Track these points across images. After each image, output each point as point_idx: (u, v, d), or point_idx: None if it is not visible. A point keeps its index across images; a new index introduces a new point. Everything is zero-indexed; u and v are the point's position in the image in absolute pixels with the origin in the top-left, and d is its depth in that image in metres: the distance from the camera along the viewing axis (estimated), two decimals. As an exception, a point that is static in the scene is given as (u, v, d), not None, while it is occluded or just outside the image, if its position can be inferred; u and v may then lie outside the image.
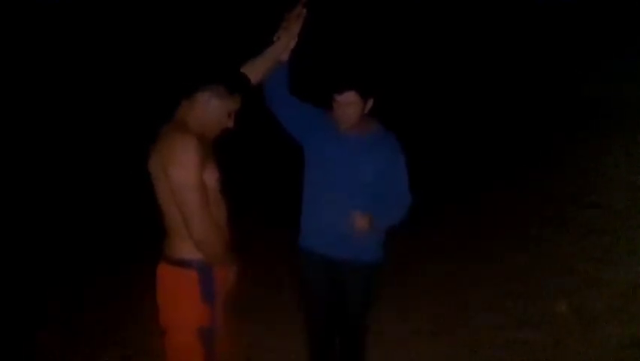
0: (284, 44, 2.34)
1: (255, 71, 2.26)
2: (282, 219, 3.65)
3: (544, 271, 4.13)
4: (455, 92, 8.57)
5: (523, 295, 3.81)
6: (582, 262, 4.11)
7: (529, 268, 4.21)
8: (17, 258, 4.31)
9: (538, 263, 4.26)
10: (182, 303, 2.02)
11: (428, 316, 3.62)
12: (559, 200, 5.31)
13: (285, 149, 2.71)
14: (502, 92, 8.38)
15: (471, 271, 4.22)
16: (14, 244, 4.49)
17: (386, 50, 8.75)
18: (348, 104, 2.32)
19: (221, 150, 2.10)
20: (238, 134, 2.14)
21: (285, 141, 2.58)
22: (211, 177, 1.95)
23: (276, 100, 2.47)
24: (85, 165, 6.08)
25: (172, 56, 6.23)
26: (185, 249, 1.98)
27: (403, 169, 2.46)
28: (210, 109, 1.96)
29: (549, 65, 8.58)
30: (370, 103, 2.38)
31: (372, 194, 2.41)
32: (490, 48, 9.24)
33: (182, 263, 1.99)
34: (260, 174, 6.00)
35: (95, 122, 6.87)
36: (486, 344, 3.32)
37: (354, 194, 2.40)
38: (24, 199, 5.35)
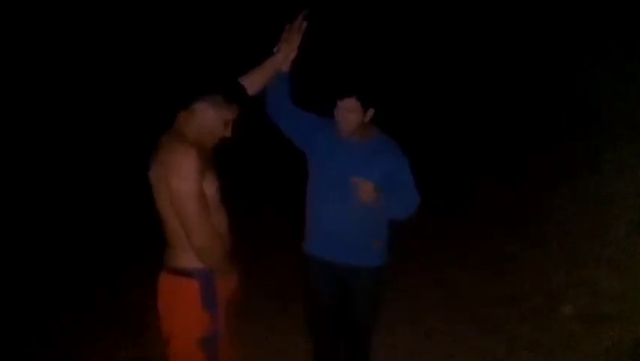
0: (284, 56, 2.37)
1: (255, 81, 2.29)
2: (286, 224, 3.68)
3: (547, 273, 4.13)
4: (455, 91, 8.57)
5: (526, 297, 3.82)
6: (585, 265, 4.11)
7: (532, 269, 4.21)
8: (19, 261, 4.39)
9: (541, 265, 4.26)
10: (184, 312, 2.04)
11: (431, 317, 3.64)
12: (560, 201, 5.31)
13: (289, 155, 2.75)
14: (502, 93, 8.37)
15: (473, 272, 4.23)
16: (16, 248, 4.56)
17: (387, 57, 8.77)
18: (350, 111, 2.36)
19: (225, 156, 2.14)
20: (242, 140, 2.18)
21: (289, 148, 2.62)
22: (211, 185, 1.98)
23: (278, 111, 2.51)
24: (83, 172, 6.16)
25: (170, 66, 6.26)
26: (186, 258, 2.00)
27: (408, 172, 2.50)
28: (207, 119, 1.99)
29: (549, 64, 8.56)
30: (371, 113, 2.41)
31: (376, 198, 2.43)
32: (490, 48, 9.23)
33: (184, 273, 2.01)
34: (264, 179, 6.04)
35: (92, 129, 6.94)
36: (490, 345, 3.33)
37: (356, 200, 2.42)
38: (26, 204, 5.43)
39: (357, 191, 2.30)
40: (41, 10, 7.67)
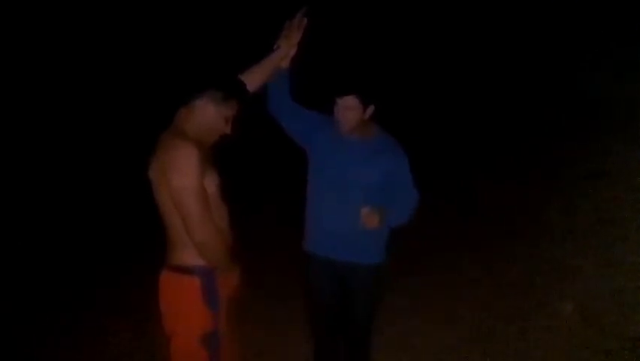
0: (283, 53, 2.37)
1: (255, 78, 2.29)
2: (286, 223, 3.68)
3: (548, 272, 4.13)
4: (455, 91, 8.57)
5: (526, 296, 3.81)
6: (586, 263, 4.11)
7: (533, 269, 4.20)
8: (19, 261, 4.39)
9: (541, 264, 4.25)
10: (185, 310, 2.03)
11: (431, 316, 3.64)
12: (560, 200, 5.31)
13: (290, 153, 2.75)
14: (503, 92, 8.37)
15: (472, 272, 4.23)
16: (16, 248, 4.57)
17: (387, 56, 8.77)
18: (349, 109, 2.36)
19: (225, 154, 2.13)
20: (242, 138, 2.18)
21: (290, 146, 2.62)
22: (211, 182, 1.97)
23: (279, 108, 2.51)
24: (83, 171, 6.16)
25: (170, 63, 6.28)
26: (186, 256, 1.99)
27: (408, 171, 2.50)
28: (207, 115, 1.99)
29: (550, 65, 8.56)
30: (371, 110, 2.41)
31: (376, 197, 2.43)
32: (490, 48, 9.23)
33: (185, 270, 2.01)
34: (266, 177, 6.05)
35: (92, 128, 6.95)
36: (490, 342, 3.33)
37: (357, 198, 2.42)
38: (26, 204, 5.43)
39: (364, 221, 2.33)
40: (41, 10, 7.68)
